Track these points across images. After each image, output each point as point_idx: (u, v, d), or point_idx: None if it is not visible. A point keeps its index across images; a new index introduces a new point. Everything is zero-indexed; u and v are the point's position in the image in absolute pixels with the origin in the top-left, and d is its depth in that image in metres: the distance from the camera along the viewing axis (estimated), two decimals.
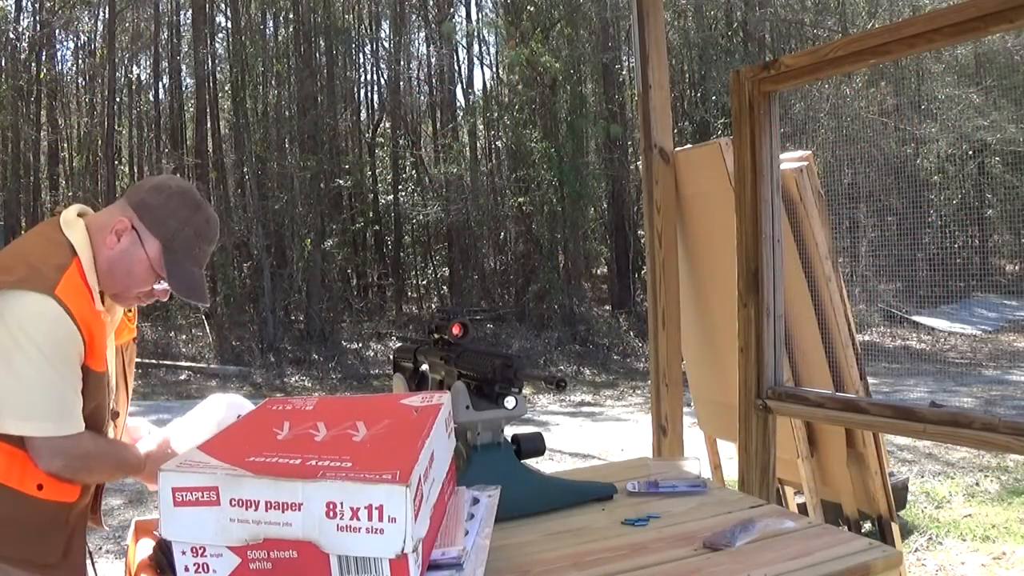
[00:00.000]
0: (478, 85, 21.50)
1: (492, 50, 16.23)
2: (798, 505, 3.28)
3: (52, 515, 1.46)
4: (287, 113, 13.68)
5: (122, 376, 1.63)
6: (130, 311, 1.63)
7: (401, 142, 15.22)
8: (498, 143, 15.16)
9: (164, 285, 1.50)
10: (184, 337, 11.82)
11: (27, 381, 1.34)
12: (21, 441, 1.39)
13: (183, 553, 1.02)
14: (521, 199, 13.66)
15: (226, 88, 14.60)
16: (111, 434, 1.60)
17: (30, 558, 1.44)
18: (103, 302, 1.49)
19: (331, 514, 0.97)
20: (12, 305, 1.34)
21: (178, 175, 1.78)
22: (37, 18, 13.26)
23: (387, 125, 15.84)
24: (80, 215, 1.52)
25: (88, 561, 1.63)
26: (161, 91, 15.02)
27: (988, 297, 11.95)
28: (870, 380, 2.96)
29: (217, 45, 14.51)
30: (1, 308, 1.34)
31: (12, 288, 1.35)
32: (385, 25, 16.20)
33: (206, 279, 1.56)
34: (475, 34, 15.72)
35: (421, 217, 14.29)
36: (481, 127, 15.79)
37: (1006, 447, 1.81)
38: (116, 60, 14.06)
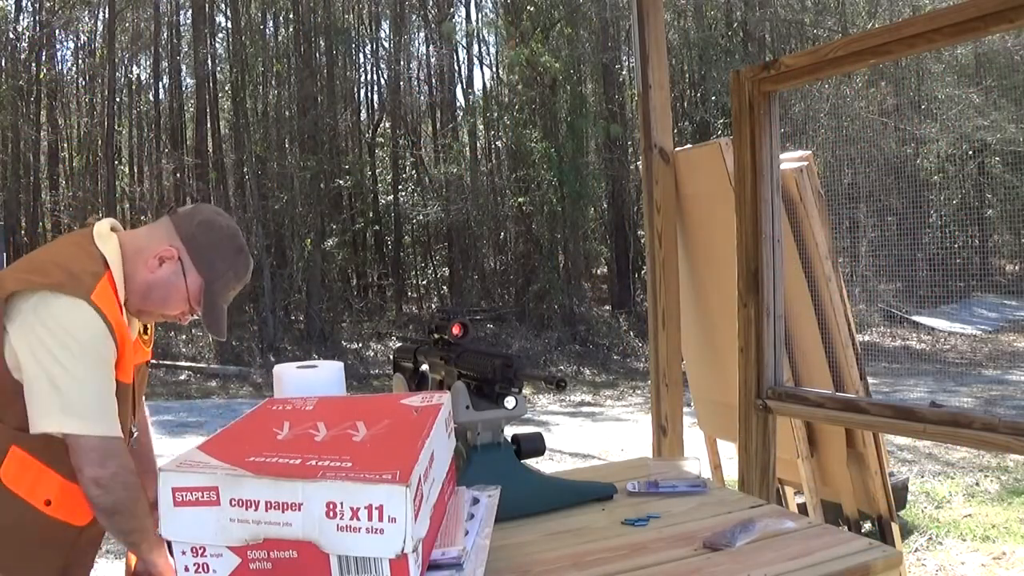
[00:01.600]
0: (478, 85, 21.52)
1: (492, 50, 16.25)
2: (798, 505, 3.28)
3: (55, 534, 1.44)
4: (287, 113, 13.69)
5: (131, 396, 1.61)
6: (146, 334, 1.63)
7: (401, 142, 15.22)
8: (498, 143, 15.16)
9: (187, 317, 1.55)
10: (184, 337, 11.82)
11: (71, 379, 1.33)
12: (42, 451, 1.38)
13: (183, 553, 1.02)
14: (521, 199, 13.66)
15: (226, 88, 14.60)
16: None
17: (22, 573, 1.43)
18: (127, 319, 1.50)
19: (331, 514, 0.97)
20: (51, 306, 1.35)
21: (221, 210, 1.75)
22: (37, 18, 13.26)
23: (387, 125, 15.85)
24: (113, 230, 1.53)
25: None
26: (161, 91, 15.04)
27: (988, 297, 11.94)
28: (870, 380, 2.96)
29: (217, 45, 14.53)
30: (39, 308, 1.35)
31: (50, 290, 1.35)
32: (385, 25, 16.22)
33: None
34: (475, 34, 15.73)
35: (421, 217, 14.29)
36: (481, 127, 15.79)
37: (1006, 447, 1.81)
38: (116, 60, 14.07)
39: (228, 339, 11.34)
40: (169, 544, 1.05)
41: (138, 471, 1.69)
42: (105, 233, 1.49)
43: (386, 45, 16.08)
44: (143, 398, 1.69)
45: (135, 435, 1.61)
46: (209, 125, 14.18)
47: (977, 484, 5.00)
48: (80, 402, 1.34)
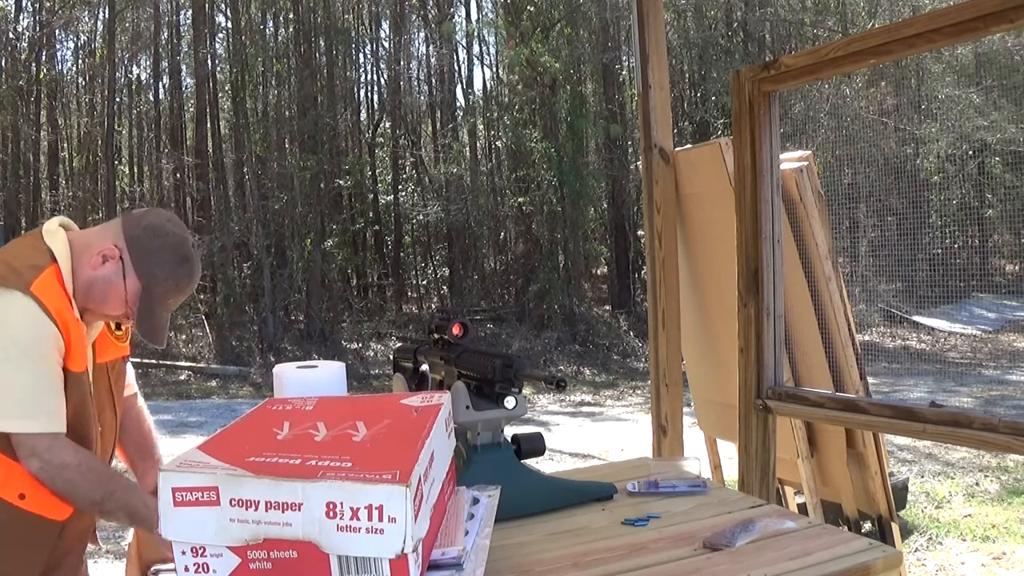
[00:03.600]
0: (478, 85, 21.54)
1: (492, 50, 16.25)
2: (798, 505, 3.28)
3: (34, 529, 1.44)
4: (287, 113, 13.69)
5: (108, 395, 1.60)
6: (119, 328, 1.63)
7: (401, 142, 15.22)
8: (498, 143, 15.16)
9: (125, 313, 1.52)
10: (184, 337, 11.83)
11: (2, 377, 1.34)
12: (7, 446, 1.38)
13: (183, 553, 1.02)
14: (521, 199, 13.66)
15: (226, 88, 14.60)
16: (95, 448, 1.55)
17: (5, 571, 1.43)
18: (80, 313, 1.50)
19: (331, 514, 0.97)
20: None
21: (176, 218, 1.70)
22: (37, 18, 13.26)
23: (387, 125, 15.85)
24: (63, 226, 1.53)
25: None
26: (161, 91, 15.03)
27: (988, 297, 11.94)
28: (870, 380, 2.97)
29: (217, 45, 14.52)
30: None
31: None
32: (385, 25, 16.22)
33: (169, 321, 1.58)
34: (475, 34, 15.73)
35: (421, 217, 14.30)
36: (481, 127, 15.80)
37: (1006, 447, 1.81)
38: (116, 60, 14.07)
39: (227, 338, 11.37)
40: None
41: (138, 457, 1.71)
42: (53, 230, 1.50)
43: (386, 45, 16.09)
44: (123, 393, 1.68)
45: (100, 430, 1.59)
46: (209, 125, 14.18)
47: (977, 484, 5.00)
48: (11, 400, 1.36)
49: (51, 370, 1.40)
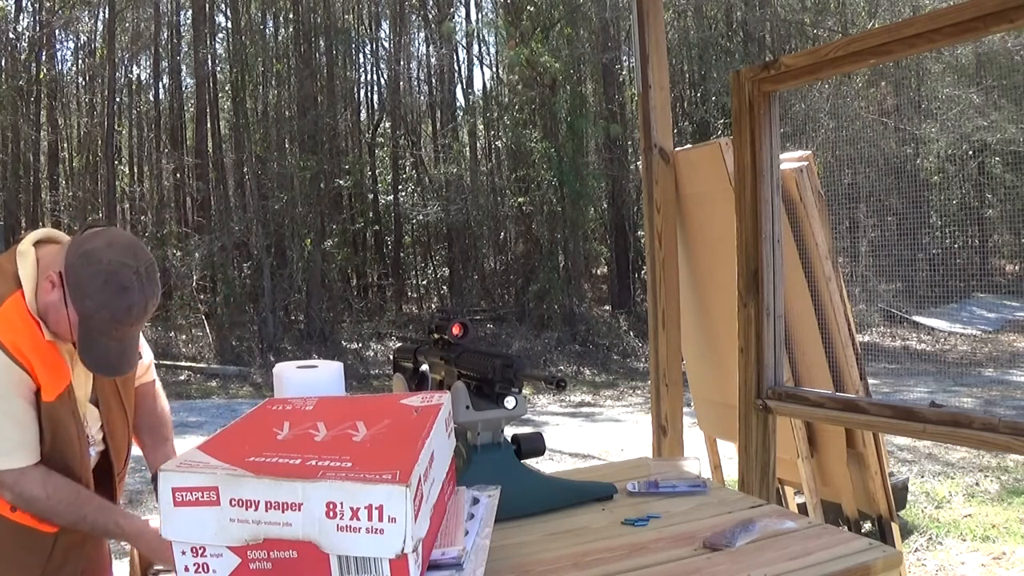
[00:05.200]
0: (478, 85, 21.54)
1: (492, 50, 16.25)
2: (798, 505, 3.28)
3: (26, 540, 1.45)
4: (287, 113, 13.69)
5: (116, 398, 1.59)
6: None
7: (401, 142, 15.22)
8: (498, 143, 15.16)
9: None
10: (184, 337, 11.83)
11: None
12: None
13: (183, 553, 1.02)
14: (521, 199, 13.66)
15: (226, 88, 14.60)
16: (80, 468, 1.53)
17: None
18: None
19: (331, 514, 0.97)
20: None
21: (127, 237, 1.61)
22: (37, 18, 13.26)
23: (387, 125, 15.85)
24: (47, 240, 1.49)
25: None
26: (161, 91, 15.03)
27: (988, 297, 11.94)
28: (870, 380, 2.97)
29: (217, 45, 14.53)
30: None
31: None
32: (385, 25, 16.22)
33: (134, 344, 1.49)
34: (475, 34, 15.73)
35: (421, 217, 14.29)
36: (481, 127, 15.80)
37: (1006, 447, 1.81)
38: (116, 60, 14.07)
39: (227, 338, 11.37)
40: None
41: (149, 439, 1.71)
42: (26, 250, 1.45)
43: (386, 45, 16.10)
44: (131, 391, 1.67)
45: (92, 445, 1.58)
46: (209, 125, 14.18)
47: (977, 484, 5.00)
48: None
49: (11, 408, 1.37)
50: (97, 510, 1.47)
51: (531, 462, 1.61)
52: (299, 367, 1.73)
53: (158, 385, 1.80)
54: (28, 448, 1.41)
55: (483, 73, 27.45)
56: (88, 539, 1.59)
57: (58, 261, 1.42)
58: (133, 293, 1.40)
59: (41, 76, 13.50)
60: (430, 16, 15.55)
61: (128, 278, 1.39)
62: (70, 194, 13.67)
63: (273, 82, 13.72)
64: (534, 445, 1.55)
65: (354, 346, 12.10)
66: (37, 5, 13.25)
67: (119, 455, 1.63)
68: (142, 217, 13.88)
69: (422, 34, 15.95)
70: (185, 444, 1.75)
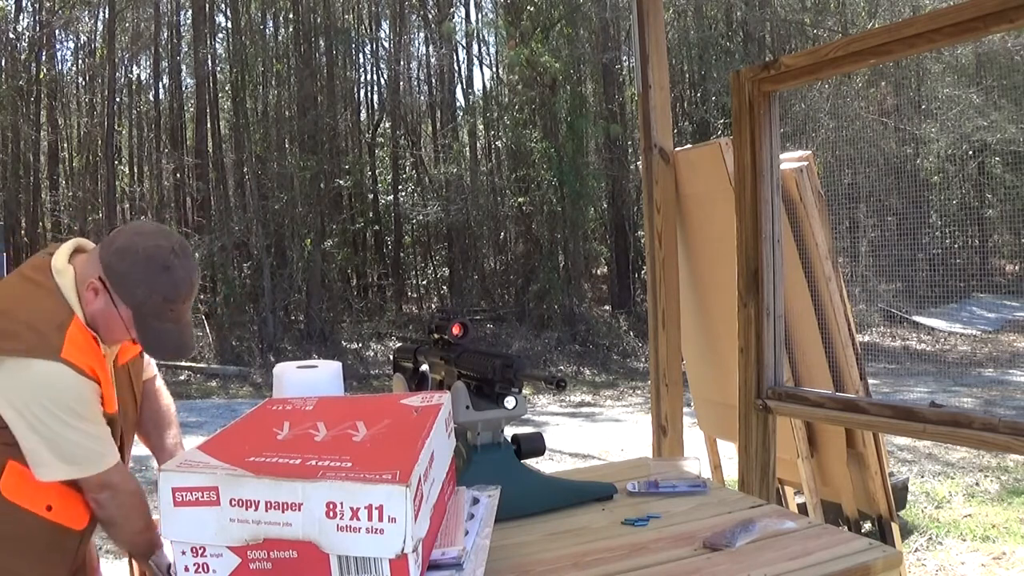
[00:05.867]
0: (478, 85, 21.54)
1: (492, 50, 16.25)
2: (798, 505, 3.28)
3: (59, 538, 1.49)
4: (287, 113, 13.68)
5: (129, 393, 1.63)
6: None
7: (401, 142, 15.22)
8: (498, 143, 15.16)
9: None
10: None
11: (61, 436, 1.39)
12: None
13: (183, 553, 1.02)
14: (521, 199, 13.66)
15: (226, 88, 14.59)
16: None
17: None
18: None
19: (331, 514, 0.97)
20: (28, 371, 1.37)
21: (150, 224, 1.67)
22: (37, 18, 13.26)
23: (387, 125, 15.84)
24: (79, 250, 1.52)
25: None
26: (161, 91, 15.03)
27: (988, 297, 11.94)
28: (870, 380, 2.96)
29: (217, 45, 14.52)
30: (17, 373, 1.37)
31: (20, 356, 1.37)
32: (385, 25, 16.22)
33: (189, 323, 1.54)
34: (475, 34, 15.73)
35: (421, 217, 14.29)
36: (481, 127, 15.79)
37: (1006, 447, 1.81)
38: (116, 60, 14.06)
39: (227, 338, 11.37)
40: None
41: (155, 433, 1.77)
42: (62, 267, 1.47)
43: (386, 45, 16.09)
44: (142, 386, 1.71)
45: (127, 444, 1.64)
46: (209, 125, 14.18)
47: (977, 484, 5.00)
48: (75, 451, 1.40)
49: (97, 417, 1.44)
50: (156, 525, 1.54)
51: (531, 462, 1.62)
52: (299, 367, 1.73)
53: (159, 382, 1.82)
54: (115, 448, 1.48)
55: (483, 73, 27.46)
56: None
57: (92, 268, 1.45)
58: (176, 271, 1.45)
59: (41, 76, 13.50)
60: (430, 16, 15.55)
61: (166, 258, 1.44)
62: (70, 194, 13.66)
63: (273, 82, 13.72)
64: (534, 445, 1.55)
65: (354, 346, 12.10)
66: (37, 5, 13.25)
67: (127, 450, 1.66)
68: (142, 217, 13.87)
69: (422, 34, 15.95)
70: (185, 444, 1.75)
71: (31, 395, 1.37)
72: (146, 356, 1.74)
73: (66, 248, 1.50)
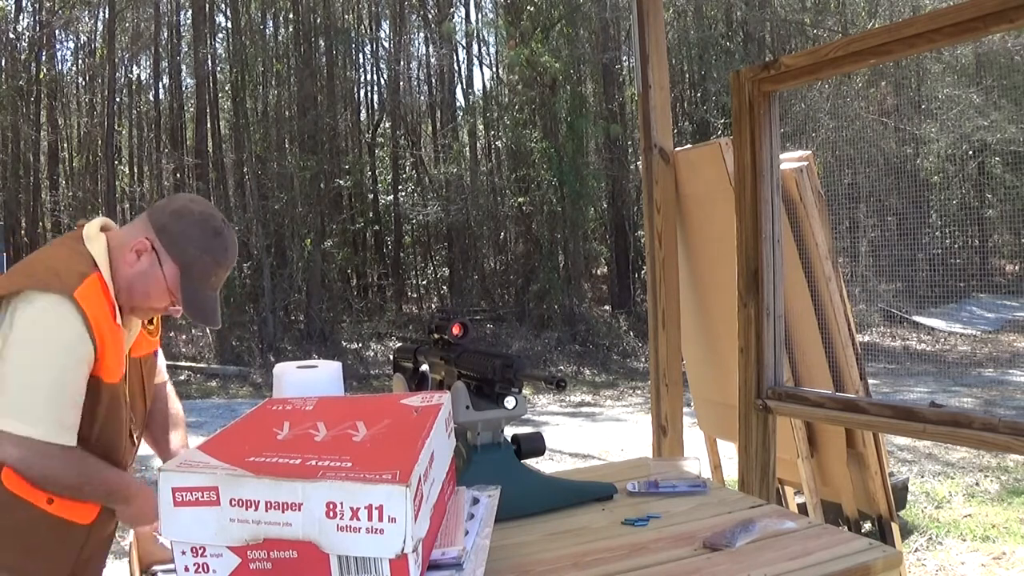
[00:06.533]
0: (478, 85, 21.55)
1: (492, 50, 16.26)
2: (798, 505, 3.28)
3: (61, 533, 1.46)
4: (287, 113, 13.69)
5: (139, 387, 1.62)
6: (151, 323, 1.64)
7: (401, 142, 15.22)
8: (498, 143, 15.16)
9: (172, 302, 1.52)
10: (184, 337, 11.82)
11: (23, 378, 1.34)
12: None
13: (183, 553, 1.02)
14: (521, 199, 13.66)
15: (226, 88, 14.60)
16: (124, 457, 1.56)
17: (32, 571, 1.45)
18: (122, 319, 1.50)
19: (331, 514, 0.97)
20: (33, 303, 1.36)
21: (200, 197, 1.70)
22: (37, 18, 13.26)
23: (387, 125, 15.85)
24: (104, 229, 1.54)
25: None
26: (161, 91, 15.03)
27: (988, 297, 11.94)
28: (870, 380, 2.97)
29: (217, 45, 14.52)
30: (21, 307, 1.36)
31: (32, 289, 1.36)
32: (385, 25, 16.22)
33: (219, 300, 1.57)
34: (475, 34, 15.74)
35: (421, 217, 14.29)
36: (481, 127, 15.80)
37: (1006, 447, 1.81)
38: (116, 60, 14.06)
39: (227, 338, 11.38)
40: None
41: (160, 435, 1.74)
42: (93, 234, 1.49)
43: (386, 45, 16.09)
44: (153, 385, 1.70)
45: (136, 436, 1.61)
46: (209, 125, 14.18)
47: (977, 484, 5.00)
48: (25, 403, 1.34)
49: (76, 379, 1.39)
50: (100, 466, 1.46)
51: (531, 462, 1.62)
52: (299, 367, 1.73)
53: (170, 387, 1.82)
54: (72, 429, 1.40)
55: (483, 73, 27.47)
56: (111, 538, 1.60)
57: (139, 231, 1.49)
58: (226, 236, 1.52)
59: (41, 76, 13.50)
60: (430, 16, 15.55)
61: (219, 224, 1.51)
62: (70, 194, 13.66)
63: (273, 82, 13.72)
64: (534, 445, 1.55)
65: (354, 346, 12.10)
66: (37, 5, 13.25)
67: (135, 445, 1.65)
68: None
69: (422, 34, 15.96)
70: None
71: (21, 326, 1.34)
72: (159, 362, 1.74)
73: (96, 222, 1.54)
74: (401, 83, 15.56)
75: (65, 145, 14.75)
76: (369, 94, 16.64)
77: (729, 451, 3.16)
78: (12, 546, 1.42)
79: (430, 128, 16.74)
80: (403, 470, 0.99)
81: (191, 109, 15.08)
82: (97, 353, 1.41)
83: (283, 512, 0.98)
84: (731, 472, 3.36)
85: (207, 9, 13.60)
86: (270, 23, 14.44)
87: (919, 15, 1.95)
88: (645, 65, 2.87)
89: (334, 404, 1.32)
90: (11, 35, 12.67)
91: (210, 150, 13.91)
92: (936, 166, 10.06)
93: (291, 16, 13.98)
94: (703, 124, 13.69)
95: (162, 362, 1.79)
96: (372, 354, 11.84)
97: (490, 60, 16.40)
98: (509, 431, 1.53)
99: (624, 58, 14.21)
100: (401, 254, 15.59)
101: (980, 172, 10.39)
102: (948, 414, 1.86)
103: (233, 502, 0.99)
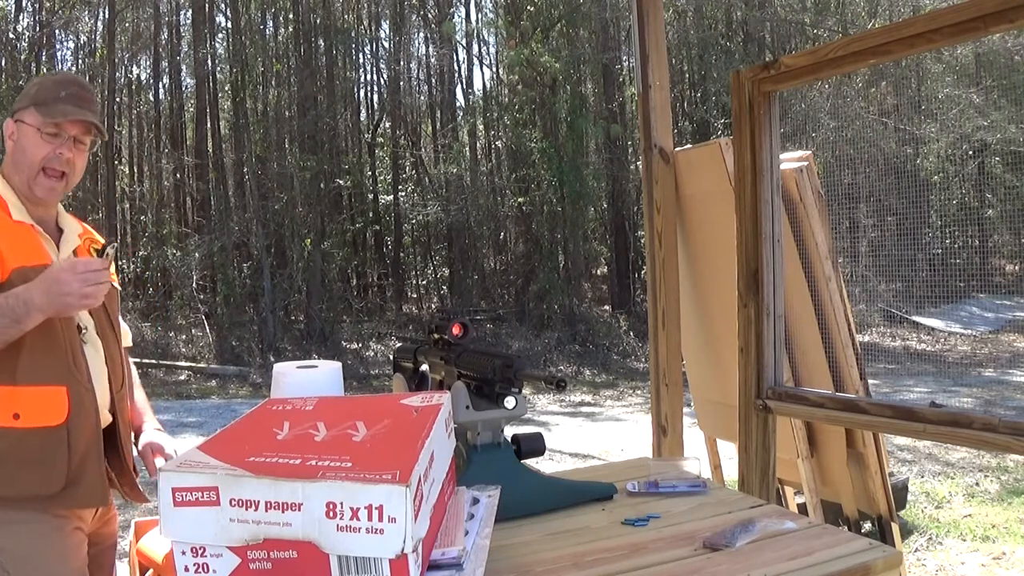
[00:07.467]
0: (478, 85, 21.55)
1: (492, 50, 16.26)
2: (798, 505, 3.28)
3: (41, 443, 1.45)
4: (287, 113, 13.68)
5: (104, 316, 1.65)
6: (101, 255, 1.62)
7: (401, 142, 15.22)
8: (498, 143, 15.16)
9: (61, 147, 1.60)
10: (183, 337, 11.82)
11: None
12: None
13: (183, 553, 1.02)
14: (521, 199, 13.66)
15: (226, 88, 14.59)
16: (90, 353, 1.58)
17: (23, 493, 1.44)
18: (28, 212, 1.60)
19: (331, 514, 0.97)
20: None
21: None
22: (37, 18, 13.26)
23: (387, 125, 15.85)
24: None
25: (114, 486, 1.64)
26: (161, 91, 15.03)
27: (988, 297, 11.94)
28: (870, 380, 2.97)
29: (217, 45, 14.52)
30: None
31: None
32: (385, 25, 16.22)
33: (89, 102, 1.65)
34: (475, 34, 15.74)
35: (421, 217, 14.30)
36: (481, 127, 15.80)
37: (1006, 447, 1.81)
38: (116, 60, 14.06)
39: (228, 339, 11.36)
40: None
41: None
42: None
43: (386, 45, 16.09)
44: (118, 323, 1.74)
45: (85, 331, 1.60)
46: (209, 125, 14.18)
47: (977, 484, 5.00)
48: None
49: None
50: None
51: (531, 462, 1.62)
52: (299, 367, 1.73)
53: (130, 340, 1.87)
54: None
55: (483, 73, 27.48)
56: (97, 438, 1.57)
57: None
58: (44, 78, 1.68)
59: (41, 76, 13.49)
60: (430, 16, 15.55)
61: (44, 76, 1.70)
62: (70, 194, 13.65)
63: (273, 82, 13.72)
64: (534, 445, 1.55)
65: (354, 346, 12.10)
66: (37, 5, 13.25)
67: (115, 364, 1.66)
68: (142, 217, 13.88)
69: (422, 34, 15.96)
70: (185, 444, 1.75)
71: None
72: (124, 325, 1.78)
73: None
74: (401, 83, 15.56)
75: None
76: (369, 94, 16.67)
77: (729, 451, 3.16)
78: None
79: (430, 128, 16.74)
80: (403, 470, 0.99)
81: (191, 109, 15.08)
82: None
83: (283, 512, 0.98)
84: (731, 472, 3.36)
85: (207, 9, 13.60)
86: (270, 23, 14.44)
87: (919, 15, 1.95)
88: (645, 65, 2.87)
89: (334, 404, 1.32)
90: (11, 35, 12.67)
91: (210, 150, 13.91)
92: (936, 166, 10.06)
93: (291, 16, 13.98)
94: (703, 124, 13.69)
95: (126, 328, 1.83)
96: (372, 354, 11.84)
97: (490, 60, 16.43)
98: (509, 431, 1.53)
99: (624, 58, 14.21)
100: (401, 254, 15.59)
101: (980, 172, 10.39)
102: (948, 414, 1.86)
103: (233, 502, 0.99)
